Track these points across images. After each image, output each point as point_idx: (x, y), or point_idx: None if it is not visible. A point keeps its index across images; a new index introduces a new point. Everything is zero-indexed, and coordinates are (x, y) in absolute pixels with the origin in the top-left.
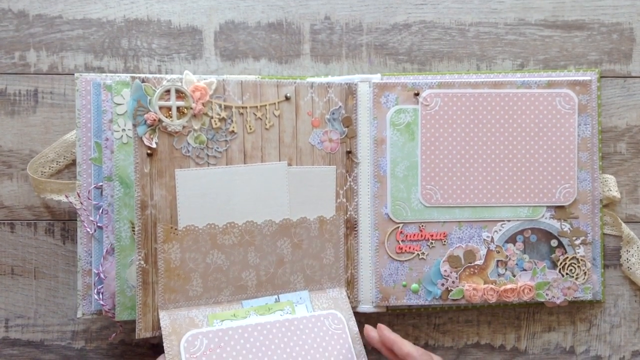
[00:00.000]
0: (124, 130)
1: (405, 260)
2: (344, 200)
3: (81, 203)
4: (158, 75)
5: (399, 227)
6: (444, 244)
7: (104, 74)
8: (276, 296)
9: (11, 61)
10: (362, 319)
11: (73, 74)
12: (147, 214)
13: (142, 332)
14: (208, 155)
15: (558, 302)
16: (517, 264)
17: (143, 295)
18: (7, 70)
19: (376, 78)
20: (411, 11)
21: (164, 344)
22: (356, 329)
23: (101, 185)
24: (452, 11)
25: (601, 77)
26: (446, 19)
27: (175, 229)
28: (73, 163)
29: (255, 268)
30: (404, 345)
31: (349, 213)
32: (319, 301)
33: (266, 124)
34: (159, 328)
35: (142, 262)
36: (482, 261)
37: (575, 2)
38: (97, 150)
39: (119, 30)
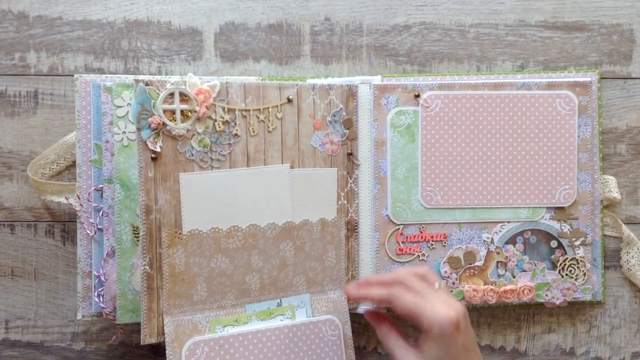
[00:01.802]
0: (124, 132)
1: (406, 262)
2: (345, 202)
3: (81, 205)
4: (161, 78)
5: (399, 228)
6: (444, 245)
7: (104, 75)
8: (279, 300)
9: (11, 62)
10: (363, 320)
11: (73, 75)
12: (152, 219)
13: (147, 338)
14: (212, 159)
15: (557, 302)
16: (517, 265)
17: (148, 301)
18: (7, 71)
19: (376, 80)
20: (411, 12)
21: (167, 351)
22: (350, 333)
23: (101, 188)
24: (452, 12)
25: (601, 78)
26: (446, 20)
27: (180, 234)
28: (73, 164)
29: (259, 271)
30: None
31: (349, 215)
32: (319, 304)
33: (269, 127)
34: (164, 333)
35: (147, 268)
36: (482, 262)
37: (575, 4)
38: (97, 152)
39: (119, 32)
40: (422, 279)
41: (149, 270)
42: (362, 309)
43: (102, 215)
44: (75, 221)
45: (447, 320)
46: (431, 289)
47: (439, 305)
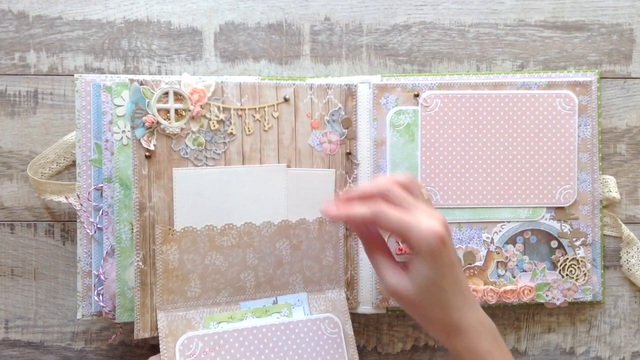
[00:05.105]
0: (124, 132)
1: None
2: None
3: (81, 204)
4: (156, 78)
5: None
6: None
7: (103, 75)
8: (274, 298)
9: (11, 62)
10: (362, 319)
11: (73, 75)
12: (146, 216)
13: (141, 333)
14: (206, 157)
15: (558, 303)
16: (517, 265)
17: (141, 296)
18: (7, 71)
19: (376, 79)
20: (411, 12)
21: (160, 346)
22: (351, 332)
23: (101, 187)
24: (452, 12)
25: (601, 78)
26: (446, 20)
27: (173, 231)
28: (73, 164)
29: (254, 269)
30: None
31: None
32: (316, 303)
33: (265, 126)
34: (158, 329)
35: (141, 264)
36: (482, 262)
37: (575, 3)
38: (97, 152)
39: (118, 31)
40: (405, 188)
41: (142, 266)
42: (362, 309)
43: (102, 214)
44: (75, 221)
45: (434, 236)
46: (413, 199)
47: (424, 220)
